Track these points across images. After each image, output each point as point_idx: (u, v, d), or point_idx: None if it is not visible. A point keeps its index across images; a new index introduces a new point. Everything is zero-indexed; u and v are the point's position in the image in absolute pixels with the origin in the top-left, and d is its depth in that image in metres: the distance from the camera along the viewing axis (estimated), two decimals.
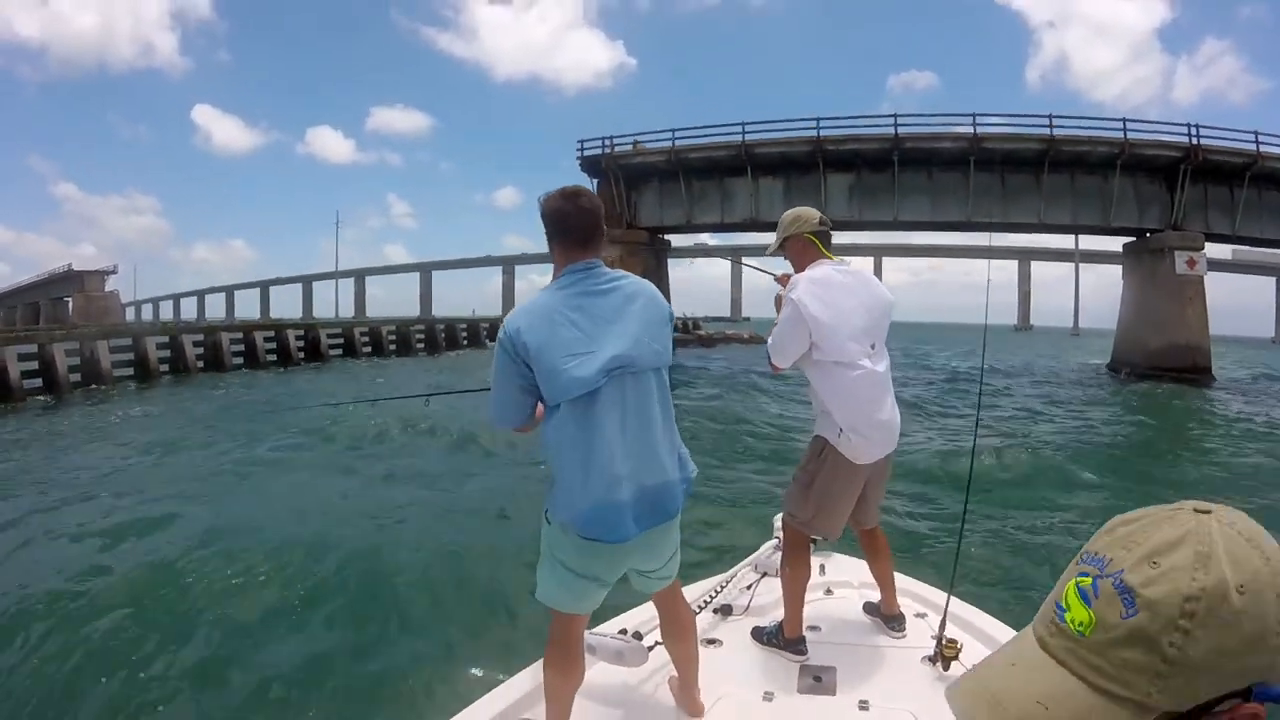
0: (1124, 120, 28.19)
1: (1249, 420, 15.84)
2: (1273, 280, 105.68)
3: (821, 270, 2.71)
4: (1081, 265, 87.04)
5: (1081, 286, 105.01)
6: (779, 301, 2.77)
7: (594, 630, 2.44)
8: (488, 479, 8.52)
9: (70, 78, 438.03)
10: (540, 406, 2.08)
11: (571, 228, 2.10)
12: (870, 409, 2.62)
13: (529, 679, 2.34)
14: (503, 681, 2.39)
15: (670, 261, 37.42)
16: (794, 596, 2.72)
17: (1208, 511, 0.64)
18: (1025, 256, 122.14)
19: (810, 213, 2.82)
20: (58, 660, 3.97)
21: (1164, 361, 26.24)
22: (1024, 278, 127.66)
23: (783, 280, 2.83)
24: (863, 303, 2.66)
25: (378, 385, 21.21)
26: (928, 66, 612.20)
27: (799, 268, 2.79)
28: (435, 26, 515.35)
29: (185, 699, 3.65)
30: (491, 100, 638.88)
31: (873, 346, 2.66)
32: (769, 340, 2.74)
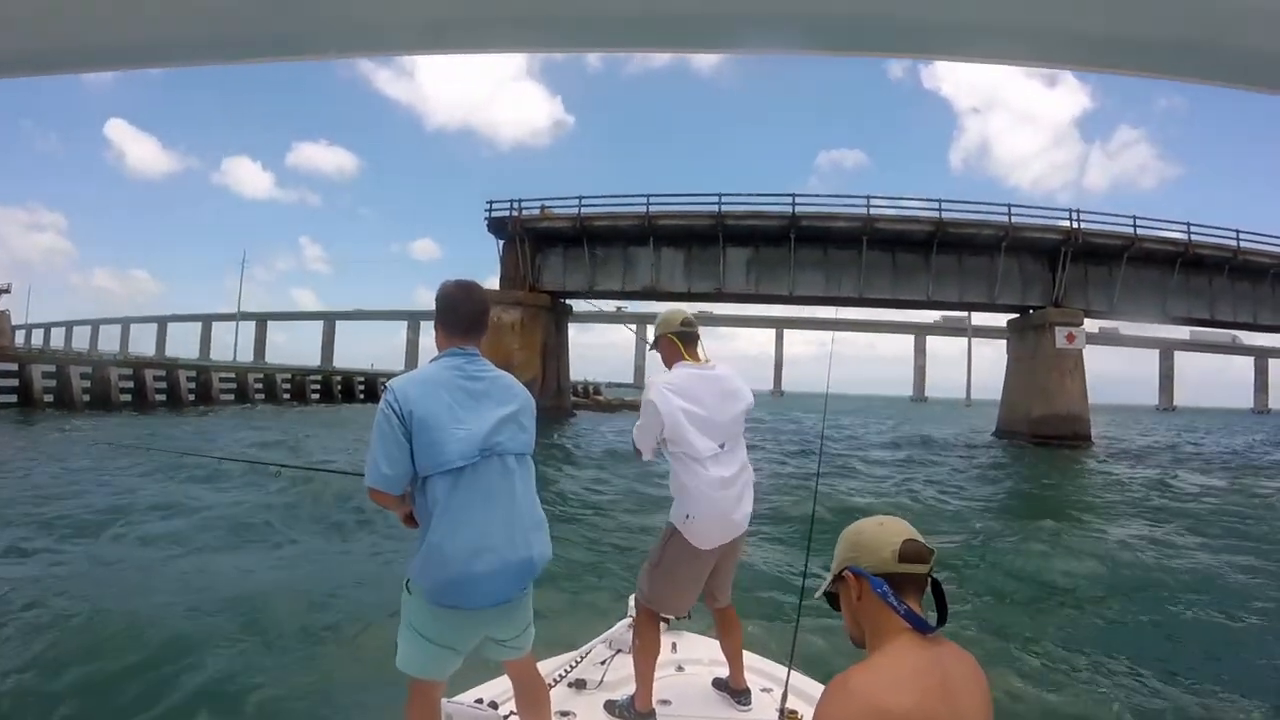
0: (1009, 205, 30.28)
1: (1109, 475, 19.12)
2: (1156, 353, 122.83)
3: (677, 373, 2.92)
4: (978, 341, 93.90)
5: (977, 361, 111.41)
6: None
7: (452, 699, 2.52)
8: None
9: None
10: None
11: (462, 315, 2.28)
12: (715, 500, 2.78)
13: None
14: None
15: (572, 326, 37.29)
16: (645, 671, 2.84)
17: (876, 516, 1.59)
18: (921, 332, 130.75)
19: (675, 315, 3.04)
20: None
21: (1046, 429, 27.63)
22: (919, 351, 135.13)
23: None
24: (713, 404, 2.85)
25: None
26: (858, 145, 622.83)
27: (666, 364, 3.00)
28: (371, 60, 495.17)
29: None
30: (423, 147, 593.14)
31: (722, 445, 2.84)
32: (634, 432, 2.95)
